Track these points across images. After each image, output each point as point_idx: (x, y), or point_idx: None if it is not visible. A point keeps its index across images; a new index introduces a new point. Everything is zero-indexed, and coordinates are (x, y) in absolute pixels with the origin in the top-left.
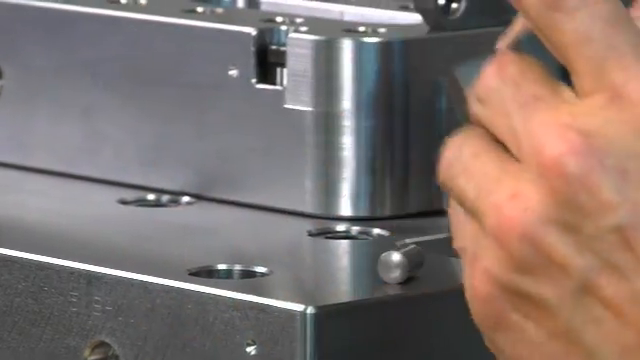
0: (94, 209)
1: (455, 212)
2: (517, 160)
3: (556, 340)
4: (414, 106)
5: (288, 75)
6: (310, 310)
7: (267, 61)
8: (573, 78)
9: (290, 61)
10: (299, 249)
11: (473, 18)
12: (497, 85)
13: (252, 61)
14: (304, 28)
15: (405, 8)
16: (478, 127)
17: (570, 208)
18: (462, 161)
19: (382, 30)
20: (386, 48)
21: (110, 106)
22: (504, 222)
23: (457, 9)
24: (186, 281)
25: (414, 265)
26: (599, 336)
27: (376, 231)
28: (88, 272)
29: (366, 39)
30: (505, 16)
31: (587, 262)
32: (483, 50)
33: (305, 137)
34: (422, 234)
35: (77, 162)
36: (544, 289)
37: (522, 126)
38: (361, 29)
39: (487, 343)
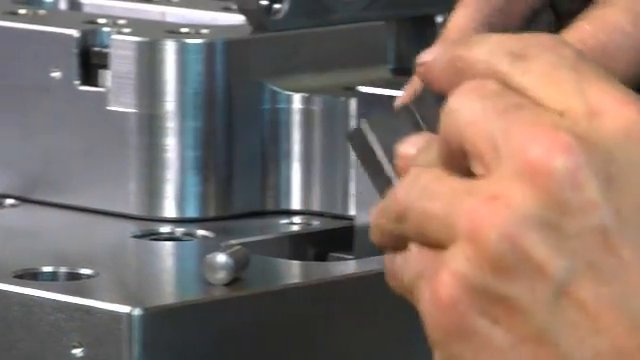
0: None
1: (391, 257)
2: (486, 176)
3: (525, 345)
4: (238, 107)
5: (111, 77)
6: (136, 312)
7: (90, 63)
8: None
9: (113, 63)
10: (124, 251)
11: (296, 19)
12: (473, 98)
13: (75, 63)
14: (127, 30)
15: (227, 9)
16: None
17: (554, 206)
18: (422, 186)
19: (205, 31)
20: (209, 49)
21: None
22: (482, 222)
23: (280, 10)
24: (11, 283)
25: (239, 266)
26: (573, 341)
27: (201, 232)
28: None
29: (189, 40)
30: (327, 17)
31: (567, 263)
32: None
33: (128, 139)
34: (247, 235)
35: None
36: (519, 291)
37: (502, 131)
38: (184, 30)
39: (440, 357)
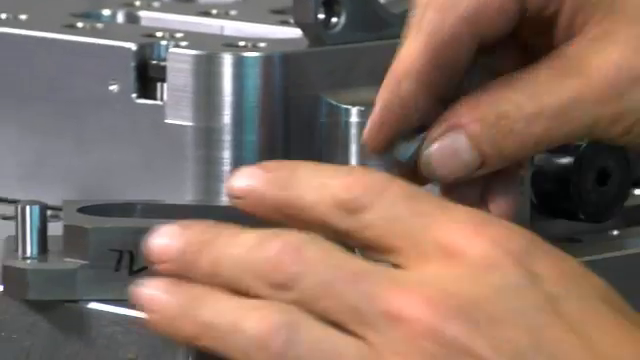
0: None
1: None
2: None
3: None
4: (294, 120)
5: (168, 90)
6: None
7: (147, 76)
8: (392, 259)
9: (170, 76)
10: None
11: (353, 32)
12: (303, 269)
13: (132, 76)
14: (184, 43)
15: (285, 23)
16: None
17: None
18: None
19: (262, 44)
20: (266, 62)
21: None
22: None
23: (337, 23)
24: None
25: None
26: None
27: None
28: None
29: (246, 53)
30: (384, 30)
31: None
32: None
33: (185, 152)
34: None
35: None
36: None
37: (365, 304)
38: (241, 44)
39: None
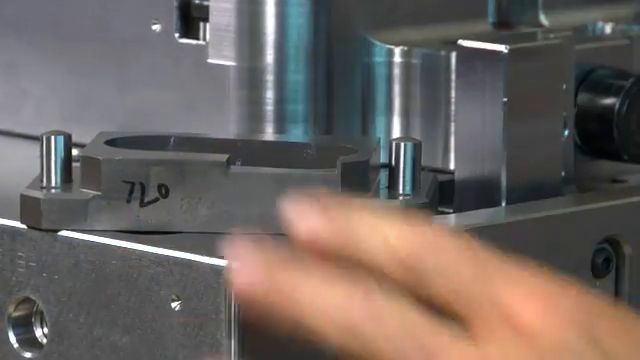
0: (17, 164)
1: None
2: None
3: None
4: (338, 60)
5: (211, 29)
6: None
7: (190, 15)
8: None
9: (213, 15)
10: None
11: None
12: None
13: (175, 15)
14: None
15: None
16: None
17: None
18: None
19: None
20: (310, 2)
21: (33, 62)
22: None
23: None
24: (110, 237)
25: None
26: None
27: None
28: (12, 228)
29: None
30: None
31: None
32: None
33: (228, 92)
34: None
35: None
36: None
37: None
38: None
39: None
